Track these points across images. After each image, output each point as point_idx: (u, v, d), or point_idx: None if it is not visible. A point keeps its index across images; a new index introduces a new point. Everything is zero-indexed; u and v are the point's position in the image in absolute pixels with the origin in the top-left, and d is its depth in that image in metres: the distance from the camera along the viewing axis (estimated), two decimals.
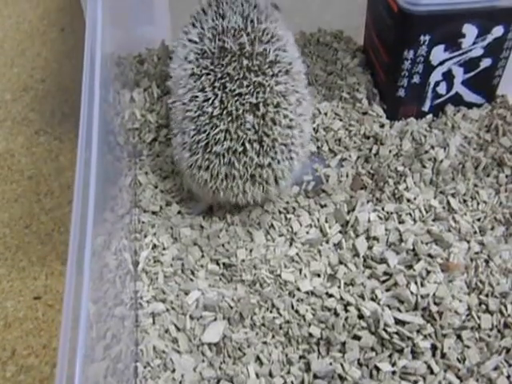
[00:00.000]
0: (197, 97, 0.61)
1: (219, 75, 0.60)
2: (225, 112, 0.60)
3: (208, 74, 0.61)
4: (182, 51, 0.65)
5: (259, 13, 0.64)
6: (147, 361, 0.57)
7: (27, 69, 0.98)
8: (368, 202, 0.69)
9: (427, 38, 0.68)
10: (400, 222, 0.66)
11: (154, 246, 0.66)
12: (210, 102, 0.60)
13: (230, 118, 0.60)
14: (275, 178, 0.63)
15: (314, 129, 0.76)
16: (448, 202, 0.68)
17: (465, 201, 0.68)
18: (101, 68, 0.56)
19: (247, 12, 0.64)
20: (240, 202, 0.64)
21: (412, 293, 0.60)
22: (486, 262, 0.63)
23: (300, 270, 0.63)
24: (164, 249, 0.65)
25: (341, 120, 0.78)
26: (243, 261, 0.64)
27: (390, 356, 0.57)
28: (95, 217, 0.50)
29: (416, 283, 0.60)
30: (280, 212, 0.69)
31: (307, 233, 0.67)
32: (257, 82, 0.60)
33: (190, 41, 0.65)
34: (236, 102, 0.60)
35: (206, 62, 0.62)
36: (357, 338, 0.58)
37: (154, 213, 0.69)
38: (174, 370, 0.57)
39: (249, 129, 0.60)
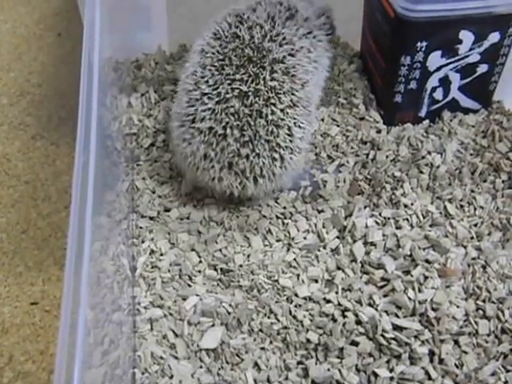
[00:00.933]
0: (196, 72, 0.64)
1: (221, 57, 0.63)
2: (215, 92, 0.62)
3: (213, 54, 0.63)
4: (208, 28, 0.68)
5: (290, 20, 0.67)
6: (145, 367, 0.57)
7: (24, 73, 0.97)
8: (365, 207, 0.69)
9: (424, 44, 0.69)
10: (397, 228, 0.66)
11: (152, 252, 0.66)
12: (205, 79, 0.62)
13: (217, 99, 0.61)
14: (253, 174, 0.63)
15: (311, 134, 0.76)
16: (445, 208, 0.68)
17: (462, 206, 0.69)
18: (99, 73, 0.56)
19: (276, 14, 0.66)
20: (218, 188, 0.65)
21: (410, 298, 0.60)
22: (483, 267, 0.63)
23: (298, 276, 0.63)
24: (162, 254, 0.65)
25: (338, 125, 0.78)
26: (241, 266, 0.64)
27: (388, 362, 0.57)
28: (93, 222, 0.50)
29: (413, 289, 0.60)
30: (277, 217, 0.69)
31: (305, 238, 0.67)
32: (253, 72, 0.62)
33: (214, 21, 0.67)
34: (228, 85, 0.61)
35: (216, 42, 0.64)
36: (355, 343, 0.58)
37: (151, 218, 0.69)
38: (171, 376, 0.56)
39: (232, 114, 0.61)
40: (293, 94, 0.63)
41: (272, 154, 0.62)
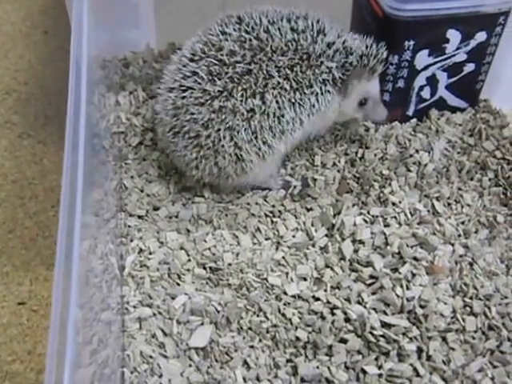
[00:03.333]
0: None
1: (222, 50, 0.63)
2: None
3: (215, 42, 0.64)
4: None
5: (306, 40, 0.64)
6: (134, 366, 0.57)
7: (10, 71, 0.96)
8: (354, 205, 0.69)
9: (411, 43, 0.69)
10: (385, 226, 0.67)
11: (141, 251, 0.65)
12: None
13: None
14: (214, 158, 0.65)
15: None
16: (433, 206, 0.69)
17: (449, 204, 0.69)
18: (87, 71, 0.55)
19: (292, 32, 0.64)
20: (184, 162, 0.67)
21: (398, 296, 0.60)
22: (471, 264, 0.64)
23: (286, 274, 0.64)
24: (150, 253, 0.65)
25: None
26: (230, 265, 0.64)
27: (377, 359, 0.57)
28: (81, 221, 0.49)
29: (402, 286, 0.61)
30: (266, 215, 0.69)
31: (293, 236, 0.67)
32: (245, 69, 0.62)
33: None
34: (226, 74, 0.62)
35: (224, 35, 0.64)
36: (343, 341, 0.58)
37: (140, 217, 0.69)
38: (161, 375, 0.56)
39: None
40: (277, 102, 0.63)
41: (235, 150, 0.64)
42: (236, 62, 0.62)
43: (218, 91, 0.62)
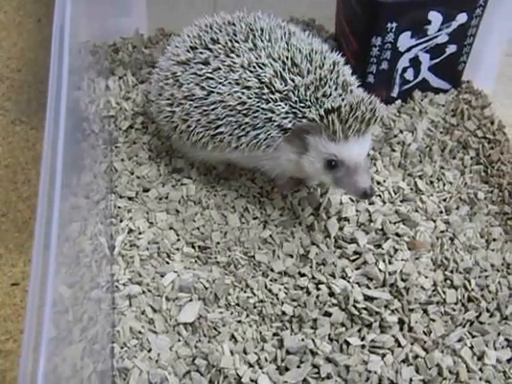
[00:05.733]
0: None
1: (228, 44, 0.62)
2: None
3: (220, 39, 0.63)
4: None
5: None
6: (124, 341, 0.58)
7: (3, 59, 0.97)
8: None
9: (394, 25, 0.70)
10: (370, 204, 0.68)
11: (130, 231, 0.67)
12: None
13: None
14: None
15: None
16: (415, 184, 0.70)
17: (431, 182, 0.71)
18: (69, 55, 0.56)
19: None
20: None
21: (380, 270, 0.62)
22: (451, 239, 0.66)
23: (273, 252, 0.65)
24: (140, 233, 0.67)
25: None
26: (218, 243, 0.66)
27: (360, 331, 0.59)
28: (67, 202, 0.50)
29: (384, 261, 0.63)
30: (254, 196, 0.71)
31: (281, 215, 0.69)
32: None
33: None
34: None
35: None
36: (328, 314, 0.60)
37: (130, 198, 0.70)
38: (150, 350, 0.58)
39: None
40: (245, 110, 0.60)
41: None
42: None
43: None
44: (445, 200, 0.69)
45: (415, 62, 0.76)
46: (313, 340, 0.58)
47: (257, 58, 0.60)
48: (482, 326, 0.59)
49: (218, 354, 0.57)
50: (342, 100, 0.57)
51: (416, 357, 0.58)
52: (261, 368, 0.57)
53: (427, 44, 0.74)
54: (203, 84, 0.62)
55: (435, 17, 0.71)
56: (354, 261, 0.64)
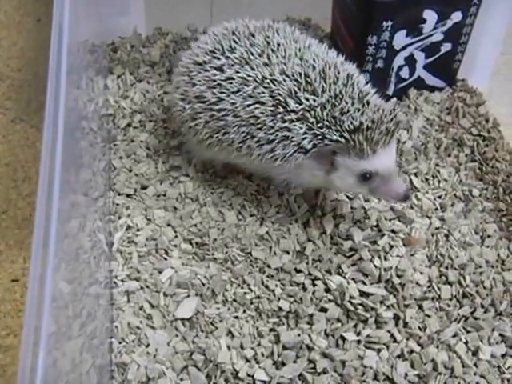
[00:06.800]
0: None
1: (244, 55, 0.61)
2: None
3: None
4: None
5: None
6: (122, 336, 0.59)
7: (3, 58, 0.98)
8: None
9: (389, 23, 0.71)
10: (365, 201, 0.69)
11: (129, 227, 0.67)
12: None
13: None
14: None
15: None
16: (411, 181, 0.71)
17: (427, 179, 0.72)
18: (68, 55, 0.57)
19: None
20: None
21: (376, 266, 0.63)
22: (446, 236, 0.66)
23: (270, 248, 0.66)
24: (138, 230, 0.67)
25: None
26: (215, 240, 0.66)
27: (355, 326, 0.60)
28: (66, 199, 0.51)
29: (380, 257, 0.63)
30: (251, 194, 0.72)
31: (277, 212, 0.69)
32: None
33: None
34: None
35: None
36: (324, 310, 0.61)
37: (128, 195, 0.71)
38: (148, 345, 0.59)
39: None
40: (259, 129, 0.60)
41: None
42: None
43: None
44: (440, 197, 0.70)
45: (410, 61, 0.76)
46: (309, 335, 0.59)
47: (271, 75, 0.59)
48: (476, 322, 0.60)
49: (215, 349, 0.58)
50: (362, 114, 0.56)
51: (411, 352, 0.58)
52: (257, 363, 0.58)
53: (422, 42, 0.74)
54: (215, 90, 0.62)
55: (430, 15, 0.71)
56: (349, 257, 0.64)
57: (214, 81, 0.62)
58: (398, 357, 0.58)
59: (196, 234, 0.67)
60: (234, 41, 0.63)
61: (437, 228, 0.67)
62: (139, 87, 0.82)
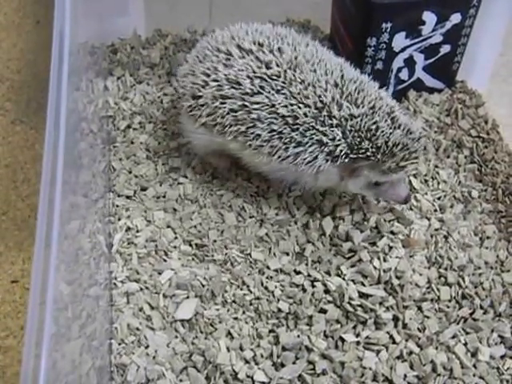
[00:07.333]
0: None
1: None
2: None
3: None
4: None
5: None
6: (122, 338, 0.59)
7: (3, 60, 0.98)
8: None
9: (389, 25, 0.71)
10: (364, 203, 0.69)
11: (128, 229, 0.68)
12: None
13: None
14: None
15: None
16: (410, 182, 0.71)
17: (426, 181, 0.72)
18: (69, 56, 0.57)
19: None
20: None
21: (375, 267, 0.63)
22: (446, 237, 0.66)
23: (269, 249, 0.66)
24: (138, 231, 0.67)
25: None
26: (215, 241, 0.66)
27: (355, 327, 0.60)
28: (69, 201, 0.51)
29: (379, 258, 0.63)
30: (251, 196, 0.72)
31: (276, 214, 0.69)
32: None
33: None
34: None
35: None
36: (323, 311, 0.61)
37: (128, 197, 0.71)
38: (147, 346, 0.59)
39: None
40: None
41: None
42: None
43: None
44: (439, 198, 0.70)
45: (410, 62, 0.77)
46: (308, 336, 0.59)
47: (318, 81, 0.60)
48: (475, 323, 0.60)
49: (214, 351, 0.58)
50: (392, 133, 0.58)
51: (410, 353, 0.58)
52: (257, 364, 0.58)
53: (422, 44, 0.75)
54: (255, 81, 0.61)
55: (429, 17, 0.72)
56: (349, 258, 0.64)
57: (255, 72, 0.62)
58: (397, 358, 0.58)
59: (195, 236, 0.67)
60: (281, 42, 0.64)
61: (436, 229, 0.67)
62: (139, 89, 0.82)
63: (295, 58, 0.62)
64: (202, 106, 0.64)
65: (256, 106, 0.61)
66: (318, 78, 0.61)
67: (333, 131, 0.59)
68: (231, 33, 0.66)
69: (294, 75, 0.61)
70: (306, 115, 0.59)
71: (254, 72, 0.62)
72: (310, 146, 0.59)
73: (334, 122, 0.59)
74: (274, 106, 0.60)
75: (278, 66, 0.62)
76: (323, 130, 0.59)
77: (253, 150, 0.63)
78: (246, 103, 0.61)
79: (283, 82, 0.61)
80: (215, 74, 0.63)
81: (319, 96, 0.60)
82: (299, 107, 0.59)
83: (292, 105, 0.60)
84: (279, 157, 0.61)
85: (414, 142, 0.59)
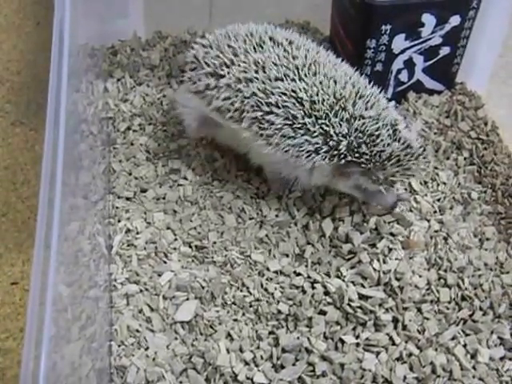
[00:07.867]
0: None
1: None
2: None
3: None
4: None
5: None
6: (121, 340, 0.59)
7: (3, 61, 0.98)
8: None
9: (388, 27, 0.71)
10: (363, 203, 0.69)
11: (128, 231, 0.68)
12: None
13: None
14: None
15: None
16: (410, 184, 0.71)
17: (425, 182, 0.72)
18: (69, 58, 0.57)
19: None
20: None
21: (375, 269, 0.63)
22: (445, 239, 0.66)
23: (269, 251, 0.66)
24: (137, 233, 0.67)
25: None
26: (215, 243, 0.66)
27: (354, 329, 0.60)
28: (66, 202, 0.51)
29: (379, 260, 0.63)
30: (251, 197, 0.72)
31: (276, 216, 0.69)
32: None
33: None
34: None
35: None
36: (323, 313, 0.61)
37: (127, 199, 0.71)
38: (147, 348, 0.59)
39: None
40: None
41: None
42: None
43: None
44: (439, 200, 0.70)
45: (409, 64, 0.77)
46: (308, 338, 0.59)
47: (339, 77, 0.63)
48: (475, 325, 0.60)
49: (214, 352, 0.58)
50: (391, 140, 0.60)
51: (410, 355, 0.58)
52: (256, 366, 0.58)
53: (421, 46, 0.75)
54: (281, 69, 0.62)
55: (429, 19, 0.72)
56: (348, 260, 0.65)
57: (282, 61, 0.63)
58: (397, 360, 0.58)
59: (195, 237, 0.67)
60: (308, 45, 0.66)
61: (436, 231, 0.67)
62: (139, 90, 0.82)
63: (319, 57, 0.64)
64: (222, 87, 0.64)
65: (277, 91, 0.62)
66: (339, 76, 0.63)
67: (341, 125, 0.60)
68: (265, 27, 0.68)
69: (317, 69, 0.63)
70: (323, 102, 0.61)
71: (281, 60, 0.63)
72: (317, 136, 0.61)
73: (346, 116, 0.60)
74: (294, 91, 0.61)
75: (304, 58, 0.63)
76: (334, 121, 0.60)
77: (263, 140, 0.63)
78: (268, 87, 0.62)
79: (307, 73, 0.62)
80: (245, 55, 0.64)
81: (339, 89, 0.62)
82: (318, 94, 0.61)
83: (312, 91, 0.61)
84: (285, 147, 0.62)
85: (410, 159, 0.60)
